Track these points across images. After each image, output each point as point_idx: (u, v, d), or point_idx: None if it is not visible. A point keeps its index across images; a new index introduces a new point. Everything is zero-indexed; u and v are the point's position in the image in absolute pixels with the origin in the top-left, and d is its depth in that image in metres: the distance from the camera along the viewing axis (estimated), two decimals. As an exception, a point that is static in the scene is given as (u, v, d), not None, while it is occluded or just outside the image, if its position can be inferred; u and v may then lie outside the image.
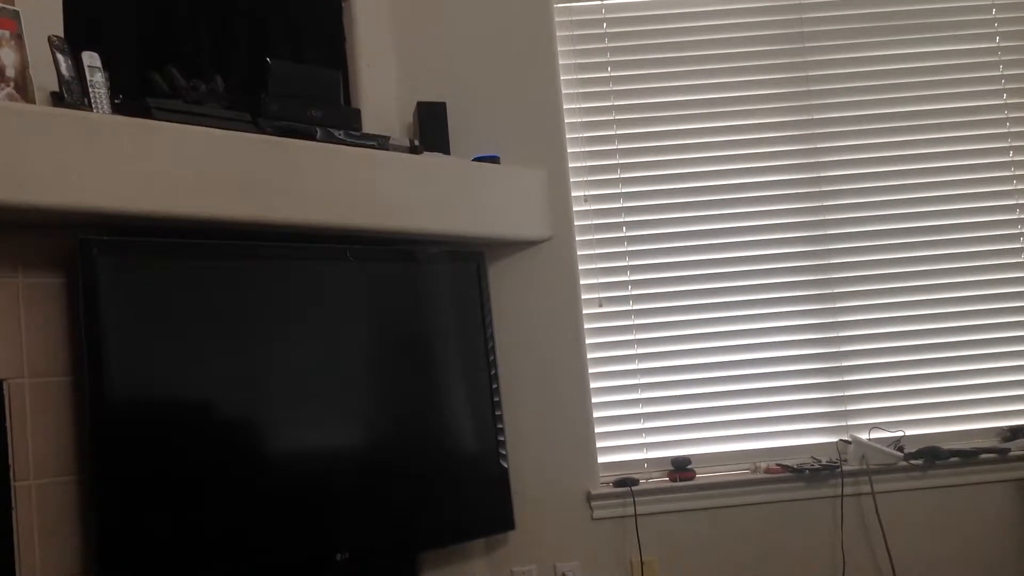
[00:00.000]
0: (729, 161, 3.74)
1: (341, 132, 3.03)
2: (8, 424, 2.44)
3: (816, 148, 3.75)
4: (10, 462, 2.43)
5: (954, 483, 3.59)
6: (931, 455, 3.57)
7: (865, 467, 3.54)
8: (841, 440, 3.63)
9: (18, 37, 2.43)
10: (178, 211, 2.56)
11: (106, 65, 2.57)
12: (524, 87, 3.65)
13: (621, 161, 3.72)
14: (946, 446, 3.60)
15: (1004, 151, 3.78)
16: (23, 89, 2.41)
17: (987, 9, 3.82)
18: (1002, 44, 3.82)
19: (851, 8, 3.80)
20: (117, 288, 2.54)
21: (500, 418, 3.42)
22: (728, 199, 3.73)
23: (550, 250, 3.62)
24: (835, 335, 3.70)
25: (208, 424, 2.70)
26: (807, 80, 3.77)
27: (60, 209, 2.35)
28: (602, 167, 3.72)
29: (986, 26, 3.82)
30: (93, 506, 2.50)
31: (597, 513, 3.54)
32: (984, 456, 3.59)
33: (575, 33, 3.75)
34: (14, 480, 2.43)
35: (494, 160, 3.49)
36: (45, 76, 2.49)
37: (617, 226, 3.70)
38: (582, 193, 3.70)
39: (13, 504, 2.42)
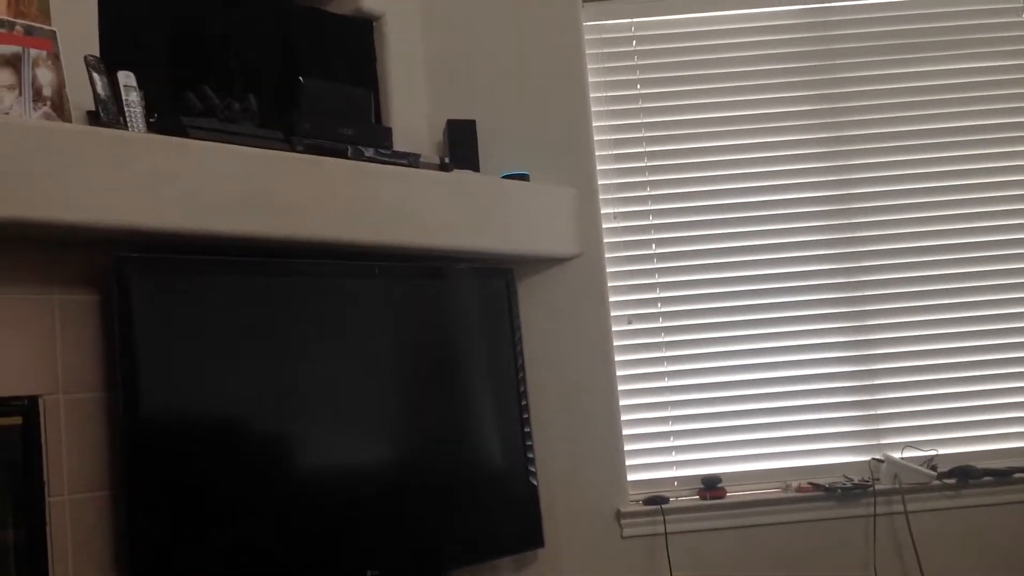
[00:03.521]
0: (759, 178, 3.73)
1: (372, 150, 3.05)
2: (43, 440, 2.45)
3: (848, 165, 3.74)
4: (45, 477, 2.44)
5: (988, 502, 3.56)
6: (964, 474, 3.54)
7: (898, 486, 3.51)
8: (873, 459, 3.61)
9: (55, 57, 2.46)
10: (211, 228, 2.58)
11: (141, 84, 2.60)
12: (554, 105, 3.66)
13: (650, 178, 3.72)
14: (979, 465, 3.57)
15: (1039, 168, 3.76)
16: (60, 108, 2.44)
17: (1016, 26, 3.80)
18: (1035, 60, 3.80)
19: (882, 25, 3.79)
20: (151, 305, 2.55)
21: (529, 435, 3.41)
22: (758, 216, 3.72)
23: (579, 267, 3.62)
24: (867, 353, 3.68)
25: (240, 441, 2.70)
26: (838, 97, 3.76)
27: (95, 227, 2.36)
28: (631, 184, 3.72)
29: (1018, 42, 3.80)
30: (126, 522, 2.51)
31: (627, 531, 3.53)
32: (1018, 475, 3.55)
33: (604, 51, 3.76)
34: (48, 495, 2.45)
35: (523, 177, 3.50)
36: (81, 95, 2.52)
37: (646, 243, 3.70)
38: (611, 210, 3.70)
39: (47, 519, 2.43)
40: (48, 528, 2.44)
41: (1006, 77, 3.79)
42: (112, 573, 2.55)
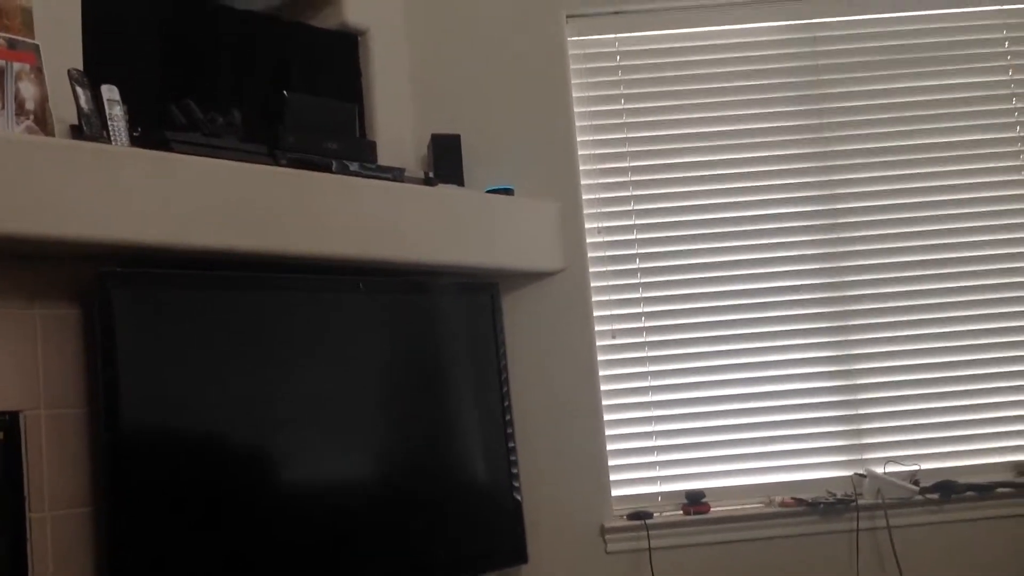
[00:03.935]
0: (743, 193, 3.74)
1: (356, 164, 3.05)
2: (24, 455, 2.44)
3: (831, 180, 3.75)
4: (25, 493, 2.43)
5: (970, 517, 3.57)
6: (947, 489, 3.55)
7: (881, 501, 3.52)
8: (856, 474, 3.61)
9: (38, 71, 2.45)
10: (195, 243, 2.57)
11: (125, 98, 2.59)
12: (538, 120, 3.67)
13: (634, 193, 3.73)
14: (962, 480, 3.58)
15: (1020, 184, 3.77)
16: (43, 122, 2.43)
17: (1000, 42, 3.83)
18: (1015, 77, 3.82)
19: (865, 41, 3.81)
20: (134, 319, 2.54)
21: (513, 450, 3.41)
22: (742, 231, 3.73)
23: (563, 282, 3.63)
24: (850, 368, 3.69)
25: (223, 455, 2.69)
26: (821, 113, 3.78)
27: (78, 241, 2.35)
28: (615, 199, 3.73)
29: (999, 59, 3.83)
30: (108, 538, 2.49)
31: (611, 547, 3.53)
32: (1000, 490, 3.56)
33: (589, 66, 3.77)
34: (29, 511, 2.43)
35: (508, 192, 3.51)
36: (64, 109, 2.51)
37: (630, 258, 3.71)
38: (595, 225, 3.70)
39: (28, 535, 2.42)
40: (29, 544, 2.42)
41: (988, 93, 3.81)
42: (93, 590, 2.53)
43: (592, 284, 3.66)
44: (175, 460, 2.59)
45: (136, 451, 2.51)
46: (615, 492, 3.60)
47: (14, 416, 2.44)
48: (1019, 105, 3.81)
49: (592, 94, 3.76)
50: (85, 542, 2.52)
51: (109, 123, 2.53)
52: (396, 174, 3.15)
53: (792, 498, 3.57)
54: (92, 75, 2.57)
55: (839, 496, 3.55)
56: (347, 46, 3.48)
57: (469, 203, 3.32)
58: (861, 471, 3.61)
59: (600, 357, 3.65)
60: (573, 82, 3.74)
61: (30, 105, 2.41)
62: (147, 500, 2.52)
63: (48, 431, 2.49)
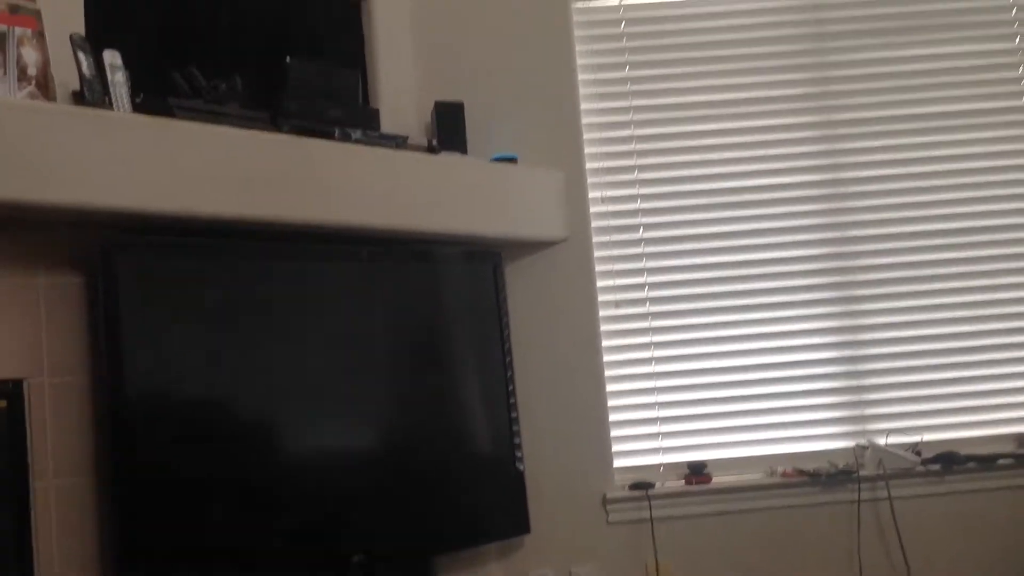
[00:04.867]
0: (747, 162, 3.72)
1: (359, 132, 3.03)
2: (27, 423, 2.43)
3: (835, 149, 3.73)
4: (29, 461, 2.43)
5: (971, 488, 3.58)
6: (948, 460, 3.55)
7: (882, 472, 3.52)
8: (858, 444, 3.62)
9: (40, 36, 2.42)
10: (197, 210, 2.56)
11: (127, 64, 2.57)
12: (542, 87, 3.64)
13: (638, 162, 3.70)
14: (964, 451, 3.58)
15: (1024, 153, 3.77)
16: (45, 87, 2.41)
17: (1007, 9, 3.80)
18: (1022, 45, 3.79)
19: (871, 8, 3.78)
20: (137, 287, 2.53)
21: (516, 420, 3.41)
22: (746, 200, 3.71)
23: (567, 251, 3.61)
24: (853, 339, 3.68)
25: (226, 424, 2.69)
26: (826, 81, 3.75)
27: (80, 208, 2.34)
28: (619, 168, 3.70)
29: (1006, 26, 3.80)
30: (111, 506, 2.50)
31: (613, 516, 3.53)
32: (1002, 461, 3.57)
33: (593, 33, 3.73)
34: (33, 479, 2.43)
35: (511, 160, 3.48)
36: (66, 75, 2.49)
37: (634, 227, 3.69)
38: (599, 194, 3.68)
39: (32, 503, 2.42)
40: (33, 512, 2.42)
41: (994, 61, 3.78)
42: (98, 556, 2.53)
43: (595, 254, 3.64)
44: (178, 428, 2.59)
45: (139, 419, 2.51)
46: (617, 463, 3.60)
47: (17, 384, 2.44)
48: (1026, 74, 3.80)
49: (596, 61, 3.73)
50: (89, 510, 2.52)
51: (111, 89, 2.51)
52: (399, 142, 3.13)
53: (794, 469, 3.58)
54: (94, 40, 2.54)
55: (841, 467, 3.55)
56: (351, 12, 3.44)
57: (472, 171, 3.30)
58: (863, 442, 3.62)
59: (603, 327, 3.64)
60: (577, 49, 3.71)
61: (32, 71, 2.39)
62: (151, 468, 2.52)
63: (51, 399, 2.48)
